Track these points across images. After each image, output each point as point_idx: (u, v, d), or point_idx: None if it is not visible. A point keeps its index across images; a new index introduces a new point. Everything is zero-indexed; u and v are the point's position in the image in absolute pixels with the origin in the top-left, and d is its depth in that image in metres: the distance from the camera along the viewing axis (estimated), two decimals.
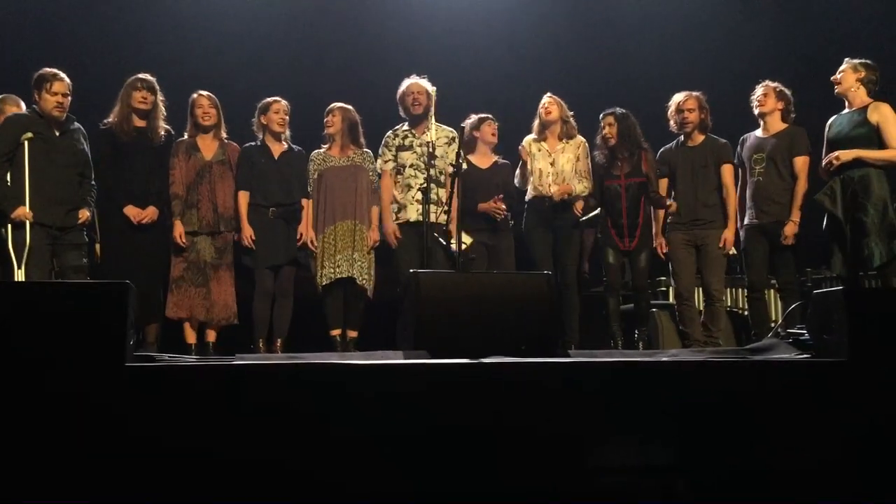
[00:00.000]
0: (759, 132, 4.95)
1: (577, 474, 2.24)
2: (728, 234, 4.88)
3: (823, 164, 4.59)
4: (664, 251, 5.01)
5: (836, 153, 4.49)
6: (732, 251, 5.00)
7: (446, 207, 4.58)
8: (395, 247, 4.99)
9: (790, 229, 4.72)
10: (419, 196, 4.82)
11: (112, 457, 2.12)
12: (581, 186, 5.11)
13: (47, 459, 2.10)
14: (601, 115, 5.14)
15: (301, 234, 4.95)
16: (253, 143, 5.03)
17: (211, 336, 4.85)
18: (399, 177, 5.09)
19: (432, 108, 4.78)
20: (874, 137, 4.46)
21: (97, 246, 4.78)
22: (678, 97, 5.05)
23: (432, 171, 4.77)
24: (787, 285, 4.84)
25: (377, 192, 5.11)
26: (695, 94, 5.02)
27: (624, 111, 5.10)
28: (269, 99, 5.05)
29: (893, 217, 4.38)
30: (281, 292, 4.90)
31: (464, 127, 4.80)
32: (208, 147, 4.93)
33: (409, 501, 2.17)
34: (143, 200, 4.72)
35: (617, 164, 5.06)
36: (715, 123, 5.09)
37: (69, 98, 4.49)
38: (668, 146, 5.14)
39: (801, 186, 4.77)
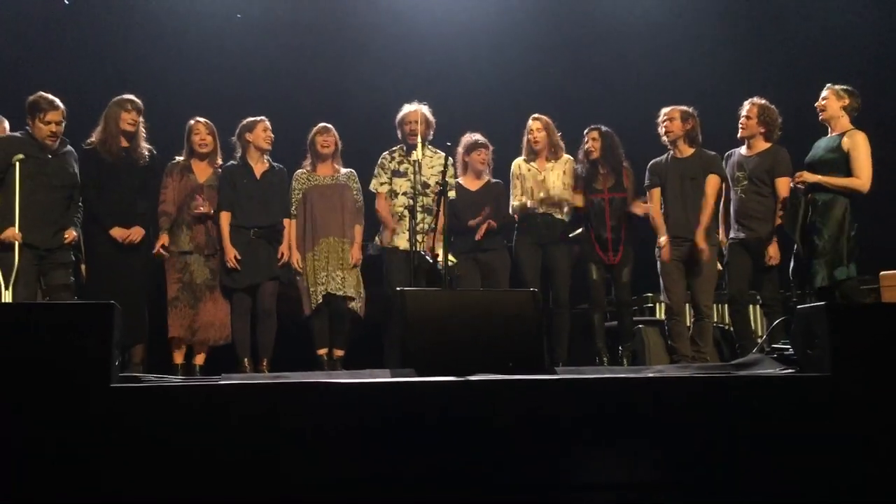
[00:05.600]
0: (743, 149, 5.01)
1: (565, 491, 2.24)
2: (698, 241, 4.84)
3: (791, 184, 4.72)
4: (666, 258, 4.93)
5: (802, 174, 4.65)
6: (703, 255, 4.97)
7: (433, 226, 4.61)
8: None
9: (774, 250, 4.78)
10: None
11: (98, 478, 2.10)
12: (567, 194, 5.15)
13: (33, 481, 2.08)
14: (585, 131, 5.21)
15: (282, 254, 4.95)
16: (233, 163, 5.02)
17: (199, 359, 4.83)
18: (392, 202, 5.12)
19: (429, 135, 4.84)
20: (843, 164, 4.60)
21: (83, 266, 4.77)
22: (664, 109, 5.11)
23: (425, 200, 4.83)
24: (771, 301, 4.87)
25: (361, 211, 5.13)
26: (681, 106, 5.07)
27: (608, 129, 5.16)
28: (253, 118, 5.04)
29: (845, 246, 4.52)
30: (264, 311, 4.87)
31: (450, 144, 4.83)
32: (202, 171, 4.96)
33: None
34: (129, 221, 4.72)
35: (599, 178, 5.12)
36: (706, 139, 5.13)
37: (63, 126, 4.50)
38: (658, 158, 5.16)
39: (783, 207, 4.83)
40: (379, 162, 5.22)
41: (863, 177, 4.55)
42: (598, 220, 5.08)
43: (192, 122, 4.98)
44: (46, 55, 6.37)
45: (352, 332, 5.03)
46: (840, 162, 4.61)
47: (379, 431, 2.22)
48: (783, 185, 4.83)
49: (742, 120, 4.96)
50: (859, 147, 4.58)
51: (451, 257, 4.61)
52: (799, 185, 4.66)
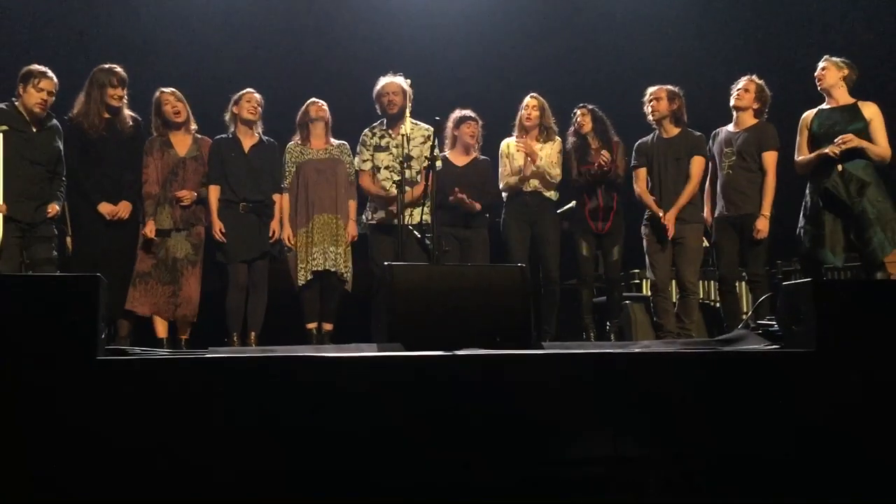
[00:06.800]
0: (730, 127, 5.01)
1: (551, 466, 2.26)
2: (669, 216, 4.87)
3: (830, 150, 4.52)
4: (670, 233, 4.90)
5: (849, 137, 4.48)
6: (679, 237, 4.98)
7: (422, 201, 4.60)
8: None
9: (762, 224, 4.78)
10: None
11: (84, 451, 2.10)
12: (556, 171, 5.14)
13: (16, 455, 2.07)
14: (574, 110, 5.23)
15: (273, 231, 4.93)
16: (224, 136, 5.00)
17: (184, 333, 4.82)
18: (375, 178, 5.09)
19: (408, 106, 4.77)
20: (867, 134, 4.55)
21: (68, 239, 4.74)
22: (650, 89, 5.10)
23: (408, 174, 4.77)
24: (758, 277, 4.90)
25: (353, 185, 5.11)
26: (667, 86, 5.07)
27: (595, 107, 5.20)
28: (241, 91, 5.02)
29: (893, 212, 4.48)
30: (254, 286, 4.88)
31: (438, 119, 4.81)
32: (181, 143, 4.90)
33: (384, 494, 2.18)
34: (116, 195, 4.68)
35: (591, 153, 5.13)
36: (693, 119, 5.13)
37: (53, 97, 4.46)
38: (644, 138, 5.18)
39: (771, 181, 4.84)
40: (360, 140, 5.18)
41: (887, 146, 4.54)
42: (589, 191, 5.09)
43: (157, 94, 4.90)
44: (24, 30, 6.29)
45: (340, 307, 5.03)
46: (866, 132, 4.55)
47: (366, 405, 2.22)
48: (771, 159, 4.83)
49: (739, 91, 4.93)
50: (878, 117, 4.57)
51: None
52: (835, 152, 4.50)
